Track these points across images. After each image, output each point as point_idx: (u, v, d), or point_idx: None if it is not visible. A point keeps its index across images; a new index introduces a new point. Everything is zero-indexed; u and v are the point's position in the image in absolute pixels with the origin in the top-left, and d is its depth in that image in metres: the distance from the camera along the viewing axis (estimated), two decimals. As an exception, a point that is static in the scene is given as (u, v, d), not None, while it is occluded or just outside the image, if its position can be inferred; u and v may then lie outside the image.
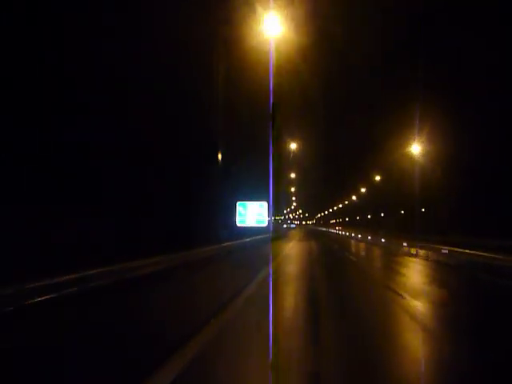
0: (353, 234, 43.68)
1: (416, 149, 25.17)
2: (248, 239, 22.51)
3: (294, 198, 75.16)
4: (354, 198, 77.05)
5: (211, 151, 21.39)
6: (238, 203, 22.11)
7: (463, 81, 30.23)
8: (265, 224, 22.19)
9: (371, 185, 58.04)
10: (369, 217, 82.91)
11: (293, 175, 40.69)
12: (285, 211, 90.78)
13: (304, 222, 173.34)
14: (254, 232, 25.10)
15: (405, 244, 23.19)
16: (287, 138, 30.44)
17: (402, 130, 36.65)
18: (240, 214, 22.05)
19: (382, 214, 73.35)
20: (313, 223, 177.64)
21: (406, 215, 61.18)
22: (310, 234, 56.20)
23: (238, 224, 22.04)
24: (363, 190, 62.48)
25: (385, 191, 55.83)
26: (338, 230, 68.99)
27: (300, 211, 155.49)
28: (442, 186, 35.21)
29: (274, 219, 77.20)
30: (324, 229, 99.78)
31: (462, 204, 36.57)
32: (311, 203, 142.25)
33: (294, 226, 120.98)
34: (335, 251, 25.30)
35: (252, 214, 22.06)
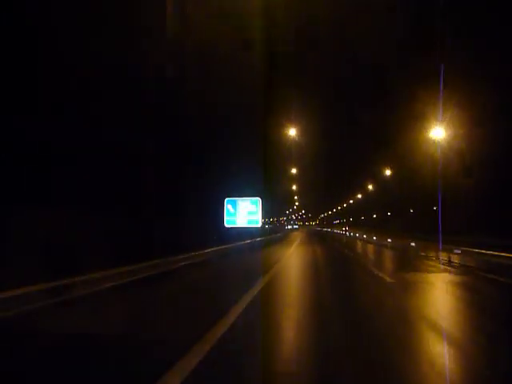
0: (364, 236, 37.76)
1: (438, 134, 21.36)
2: (234, 244, 18.81)
3: (296, 198, 71.53)
4: (359, 196, 73.29)
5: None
6: (226, 200, 18.54)
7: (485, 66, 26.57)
8: (258, 224, 18.60)
9: (379, 182, 54.38)
10: (374, 216, 79.47)
11: (294, 171, 36.98)
12: (287, 211, 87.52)
13: (307, 223, 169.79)
14: (247, 234, 21.41)
15: (457, 251, 15.66)
16: (287, 123, 26.70)
17: (415, 124, 32.99)
18: (229, 213, 18.48)
19: (389, 214, 69.93)
20: (316, 224, 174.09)
21: (416, 214, 57.62)
22: (313, 236, 51.47)
23: (227, 225, 18.49)
24: (370, 187, 58.63)
25: (394, 189, 52.11)
26: (345, 231, 64.42)
27: (303, 211, 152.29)
28: (460, 182, 31.28)
29: (277, 220, 73.59)
30: (328, 229, 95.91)
31: (482, 202, 32.71)
32: (314, 203, 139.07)
33: (296, 226, 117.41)
34: (351, 261, 17.75)
35: (243, 212, 18.48)
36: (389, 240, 26.72)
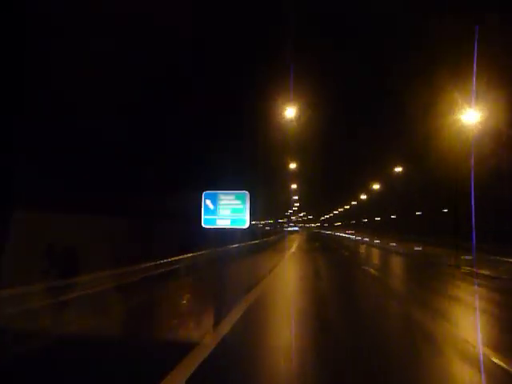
0: (377, 241, 30.83)
1: (468, 118, 17.27)
2: (207, 251, 14.85)
3: (296, 198, 67.52)
4: (363, 197, 69.36)
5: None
6: (204, 194, 14.58)
7: None
8: (245, 225, 14.59)
9: (386, 181, 50.40)
10: (378, 218, 75.77)
11: (293, 165, 32.93)
12: (287, 213, 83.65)
13: (307, 225, 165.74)
14: (232, 238, 17.45)
15: None
16: (284, 112, 22.70)
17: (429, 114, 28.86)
18: (207, 211, 14.50)
19: (394, 216, 66.24)
20: (317, 226, 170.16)
21: (423, 216, 53.82)
22: (314, 241, 46.14)
23: (205, 225, 14.49)
24: (376, 186, 54.56)
25: (401, 189, 48.18)
26: (351, 235, 59.63)
27: (303, 213, 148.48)
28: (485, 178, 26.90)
29: (275, 221, 69.61)
30: (330, 232, 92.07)
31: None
32: (315, 206, 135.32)
33: (296, 228, 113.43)
34: (391, 302, 10.75)
35: (226, 210, 14.49)
36: (416, 248, 20.77)
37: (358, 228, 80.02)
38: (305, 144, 34.61)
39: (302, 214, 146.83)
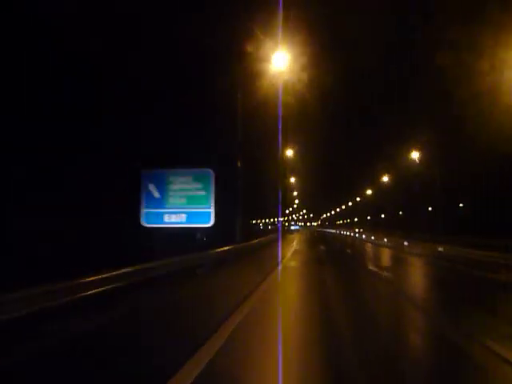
0: (406, 243, 21.84)
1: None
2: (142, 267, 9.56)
3: (295, 194, 62.50)
4: (368, 191, 64.53)
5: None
6: (142, 174, 9.46)
7: None
8: (209, 221, 9.41)
9: (394, 174, 45.47)
10: (382, 216, 71.25)
11: (289, 152, 27.59)
12: (287, 211, 78.98)
13: (308, 224, 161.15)
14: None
15: None
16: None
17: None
18: (150, 201, 9.39)
19: (400, 212, 61.77)
20: (318, 224, 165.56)
21: (433, 213, 49.46)
22: (318, 243, 34.30)
23: (146, 223, 9.35)
24: (385, 178, 49.57)
25: (410, 184, 43.58)
26: (359, 234, 53.42)
27: (304, 211, 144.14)
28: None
29: (275, 220, 64.68)
30: (333, 231, 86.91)
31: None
32: (316, 203, 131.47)
33: (297, 227, 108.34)
34: None
35: (179, 198, 9.37)
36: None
37: (362, 226, 75.47)
38: (305, 137, 30.00)
39: (302, 212, 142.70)
